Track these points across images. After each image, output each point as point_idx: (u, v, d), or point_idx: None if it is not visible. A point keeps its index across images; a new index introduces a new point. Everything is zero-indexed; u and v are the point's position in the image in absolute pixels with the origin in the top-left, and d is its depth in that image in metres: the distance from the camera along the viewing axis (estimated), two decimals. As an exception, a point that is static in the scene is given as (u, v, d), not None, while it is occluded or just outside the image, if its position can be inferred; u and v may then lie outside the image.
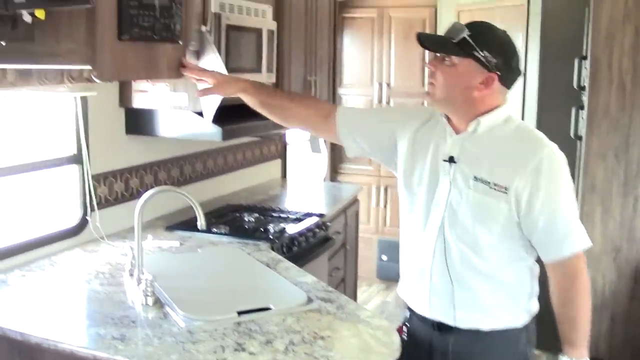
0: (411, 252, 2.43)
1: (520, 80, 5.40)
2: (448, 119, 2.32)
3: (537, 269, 2.35)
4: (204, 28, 3.09)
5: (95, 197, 3.41)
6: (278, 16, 4.27)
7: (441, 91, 2.23)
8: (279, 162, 5.69)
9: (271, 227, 3.71)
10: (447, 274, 2.28)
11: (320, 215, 4.16)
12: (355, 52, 6.95)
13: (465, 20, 2.35)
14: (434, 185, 2.30)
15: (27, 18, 2.08)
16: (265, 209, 4.27)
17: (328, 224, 4.14)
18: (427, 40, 2.30)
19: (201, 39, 2.98)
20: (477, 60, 2.15)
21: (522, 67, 2.28)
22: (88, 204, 3.39)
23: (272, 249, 3.42)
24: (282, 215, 4.13)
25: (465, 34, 2.14)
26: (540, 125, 5.32)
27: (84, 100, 3.35)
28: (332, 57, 5.39)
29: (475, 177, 2.21)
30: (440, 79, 2.22)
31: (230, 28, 3.46)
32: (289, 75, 4.48)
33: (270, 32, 3.93)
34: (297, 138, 6.09)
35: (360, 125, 2.57)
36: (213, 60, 2.92)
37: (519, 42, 5.56)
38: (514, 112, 5.56)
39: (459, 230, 2.25)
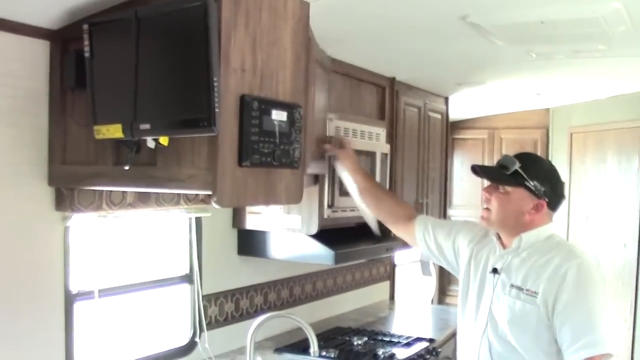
0: (463, 352, 2.64)
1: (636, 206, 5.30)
2: (498, 236, 2.58)
3: None
4: (320, 153, 3.12)
5: (206, 318, 3.41)
6: (392, 139, 4.29)
7: (496, 216, 2.50)
8: (387, 283, 5.60)
9: (380, 352, 3.62)
10: None
11: (431, 340, 4.04)
12: (465, 174, 6.90)
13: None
14: (481, 294, 2.56)
15: (151, 144, 2.13)
16: (375, 333, 4.18)
17: (438, 349, 4.00)
18: (482, 171, 2.61)
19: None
20: (528, 189, 2.43)
21: (566, 193, 2.54)
22: (197, 325, 3.38)
23: (382, 374, 3.32)
24: (393, 339, 4.02)
25: (517, 166, 2.42)
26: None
27: (198, 220, 3.41)
28: (444, 179, 5.34)
29: (511, 285, 2.45)
30: (495, 204, 2.49)
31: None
32: (402, 197, 4.43)
33: (384, 155, 3.93)
34: (406, 260, 6.00)
35: (433, 237, 2.88)
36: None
37: (634, 165, 5.42)
38: (630, 240, 5.42)
39: (499, 332, 2.45)
